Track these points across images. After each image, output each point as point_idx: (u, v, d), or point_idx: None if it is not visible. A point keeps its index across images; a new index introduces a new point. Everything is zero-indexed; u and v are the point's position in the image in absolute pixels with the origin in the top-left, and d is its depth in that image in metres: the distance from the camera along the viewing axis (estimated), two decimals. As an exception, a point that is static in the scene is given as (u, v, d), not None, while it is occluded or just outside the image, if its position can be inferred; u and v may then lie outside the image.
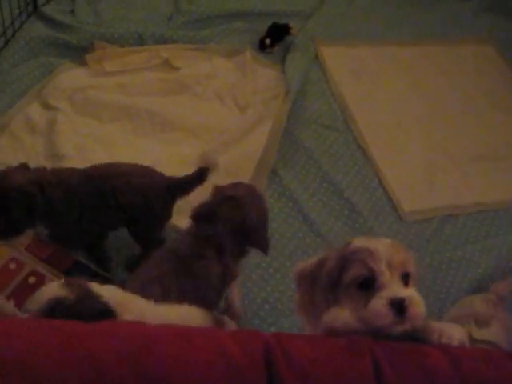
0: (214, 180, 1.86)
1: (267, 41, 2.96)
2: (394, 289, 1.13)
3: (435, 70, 3.12)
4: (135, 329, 1.00)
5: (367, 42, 3.20)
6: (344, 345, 1.07)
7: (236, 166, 2.37)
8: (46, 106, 2.48)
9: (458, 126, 2.83)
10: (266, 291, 2.03)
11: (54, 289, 1.27)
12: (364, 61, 3.08)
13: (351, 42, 3.17)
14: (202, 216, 1.68)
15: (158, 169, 2.33)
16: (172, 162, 2.37)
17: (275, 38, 2.98)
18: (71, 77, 2.62)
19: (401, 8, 3.42)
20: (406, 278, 1.17)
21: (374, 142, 2.63)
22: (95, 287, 1.30)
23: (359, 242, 1.20)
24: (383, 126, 2.73)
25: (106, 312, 1.26)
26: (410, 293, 1.13)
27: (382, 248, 1.16)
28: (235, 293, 1.86)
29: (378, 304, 1.11)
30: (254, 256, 2.09)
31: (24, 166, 1.78)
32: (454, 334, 1.16)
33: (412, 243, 2.27)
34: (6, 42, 2.67)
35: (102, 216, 1.84)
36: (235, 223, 1.65)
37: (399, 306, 1.10)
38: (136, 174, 1.86)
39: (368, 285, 1.15)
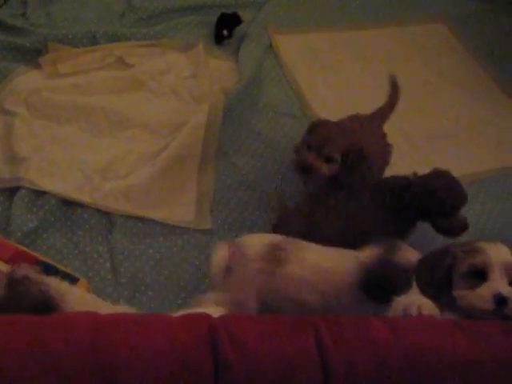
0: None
1: (225, 32, 2.94)
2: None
3: (389, 52, 3.15)
4: (85, 317, 1.03)
5: (320, 28, 3.23)
6: (287, 321, 1.11)
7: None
8: (2, 111, 2.48)
9: (413, 106, 2.86)
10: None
11: None
12: (318, 47, 3.11)
13: (304, 29, 3.20)
14: None
15: (116, 166, 2.36)
16: (130, 158, 2.40)
17: (229, 28, 2.95)
18: (26, 80, 2.61)
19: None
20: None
21: (330, 126, 2.65)
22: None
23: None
24: (339, 110, 2.74)
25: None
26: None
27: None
28: None
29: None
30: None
31: None
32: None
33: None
34: (-41, 50, 2.66)
35: None
36: None
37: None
38: None
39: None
